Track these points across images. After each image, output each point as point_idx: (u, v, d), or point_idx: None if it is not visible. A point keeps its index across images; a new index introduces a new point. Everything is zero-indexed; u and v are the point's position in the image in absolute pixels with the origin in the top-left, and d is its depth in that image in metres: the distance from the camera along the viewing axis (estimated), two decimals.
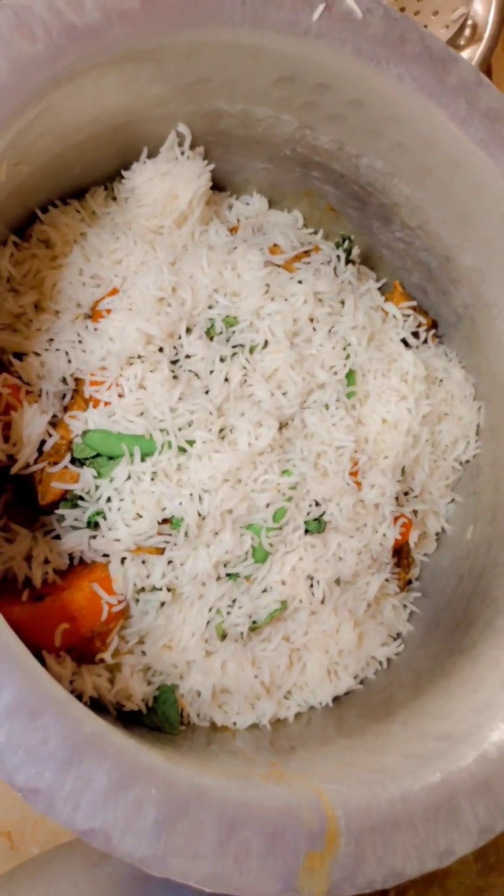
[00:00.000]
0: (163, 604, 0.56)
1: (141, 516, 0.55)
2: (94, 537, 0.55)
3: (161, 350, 0.56)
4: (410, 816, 0.45)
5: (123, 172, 0.62)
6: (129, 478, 0.55)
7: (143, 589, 0.56)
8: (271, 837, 0.41)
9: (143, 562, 0.56)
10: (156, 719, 0.57)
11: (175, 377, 0.56)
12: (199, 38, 0.52)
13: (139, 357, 0.56)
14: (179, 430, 0.56)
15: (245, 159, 0.67)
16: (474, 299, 0.67)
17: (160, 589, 0.56)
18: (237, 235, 0.66)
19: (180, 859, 0.39)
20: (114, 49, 0.49)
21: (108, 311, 0.57)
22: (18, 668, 0.38)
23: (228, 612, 0.58)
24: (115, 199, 0.64)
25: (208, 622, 0.58)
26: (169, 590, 0.57)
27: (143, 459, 0.55)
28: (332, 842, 0.42)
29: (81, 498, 0.56)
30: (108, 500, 0.55)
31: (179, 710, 0.58)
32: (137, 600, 0.57)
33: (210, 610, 0.58)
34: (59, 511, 0.56)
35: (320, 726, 0.61)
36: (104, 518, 0.55)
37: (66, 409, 0.57)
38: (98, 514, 0.55)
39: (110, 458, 0.55)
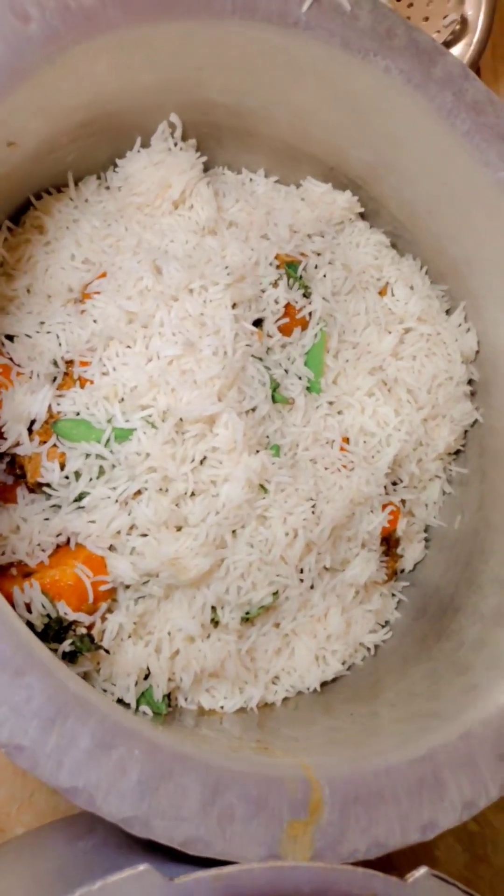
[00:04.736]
0: (146, 583, 0.56)
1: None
2: (80, 518, 0.55)
3: (145, 327, 0.56)
4: (395, 789, 0.46)
5: (117, 161, 0.63)
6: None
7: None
8: (255, 803, 0.41)
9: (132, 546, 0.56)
10: (142, 701, 0.57)
11: (157, 356, 0.57)
12: (191, 26, 0.54)
13: (121, 336, 0.56)
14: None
15: (237, 151, 0.68)
16: (462, 290, 0.68)
17: (146, 572, 0.56)
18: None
19: (163, 821, 0.39)
20: (107, 32, 0.50)
21: (97, 293, 0.58)
22: (4, 626, 0.38)
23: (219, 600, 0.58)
24: (107, 188, 0.64)
25: (194, 604, 0.58)
26: (157, 574, 0.57)
27: (118, 441, 0.55)
28: (315, 810, 0.43)
29: (67, 478, 0.56)
30: (90, 480, 0.55)
31: (167, 694, 0.58)
32: (125, 584, 0.57)
33: (198, 596, 0.58)
34: (47, 490, 0.56)
35: (307, 710, 0.61)
36: (88, 499, 0.55)
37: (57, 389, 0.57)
38: (83, 495, 0.56)
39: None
